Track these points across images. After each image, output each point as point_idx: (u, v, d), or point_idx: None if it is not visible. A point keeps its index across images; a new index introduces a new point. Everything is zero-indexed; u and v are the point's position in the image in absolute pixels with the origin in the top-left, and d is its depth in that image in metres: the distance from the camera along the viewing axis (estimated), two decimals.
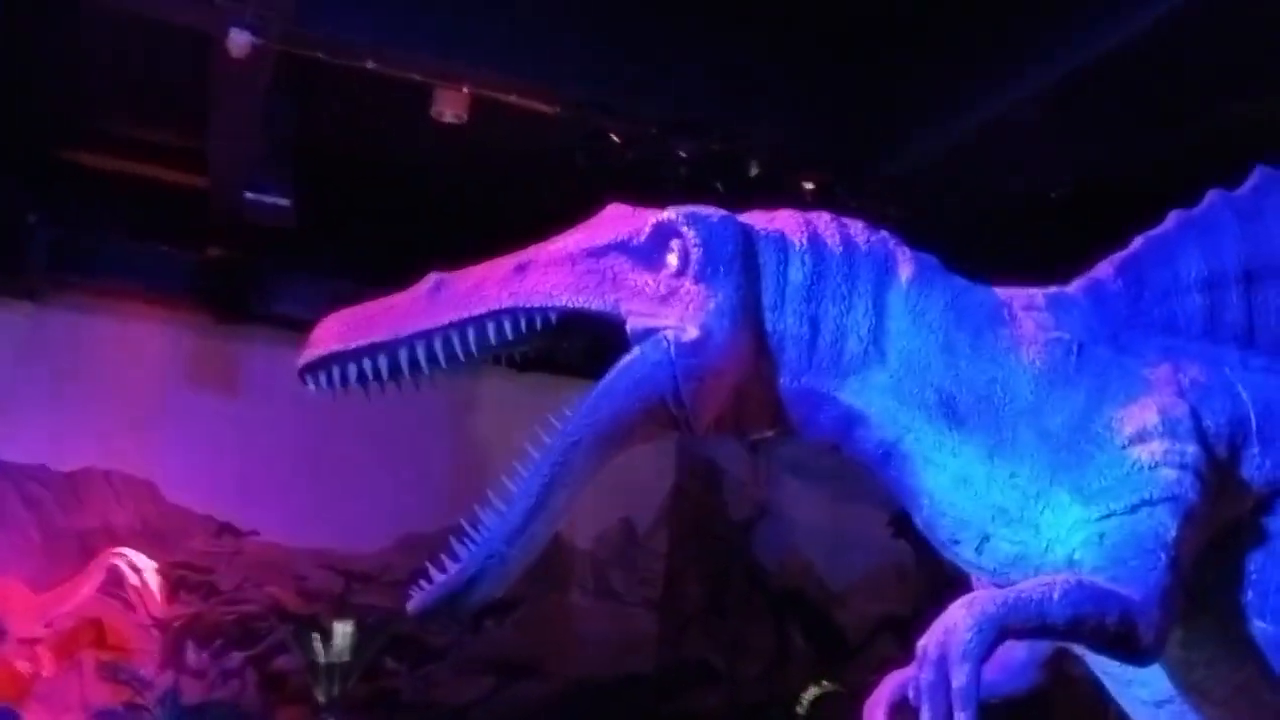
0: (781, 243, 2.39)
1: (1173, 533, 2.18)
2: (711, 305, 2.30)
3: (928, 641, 2.06)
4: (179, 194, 8.29)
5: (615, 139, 5.31)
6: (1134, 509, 2.21)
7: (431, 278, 2.30)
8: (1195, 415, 2.31)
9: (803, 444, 2.46)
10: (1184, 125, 5.31)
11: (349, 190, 7.63)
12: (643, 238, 2.35)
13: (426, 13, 5.59)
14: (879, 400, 2.32)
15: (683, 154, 5.25)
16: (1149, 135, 5.40)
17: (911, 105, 5.47)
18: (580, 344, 2.37)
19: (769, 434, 2.45)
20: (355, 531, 8.98)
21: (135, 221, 8.47)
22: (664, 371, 2.26)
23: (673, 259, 2.33)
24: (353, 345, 2.25)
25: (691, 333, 2.28)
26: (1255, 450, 2.35)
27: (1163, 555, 2.16)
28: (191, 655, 8.15)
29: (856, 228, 2.47)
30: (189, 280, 8.67)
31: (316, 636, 7.38)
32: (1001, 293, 2.51)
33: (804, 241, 2.40)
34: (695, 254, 2.33)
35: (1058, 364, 2.38)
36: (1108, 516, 2.23)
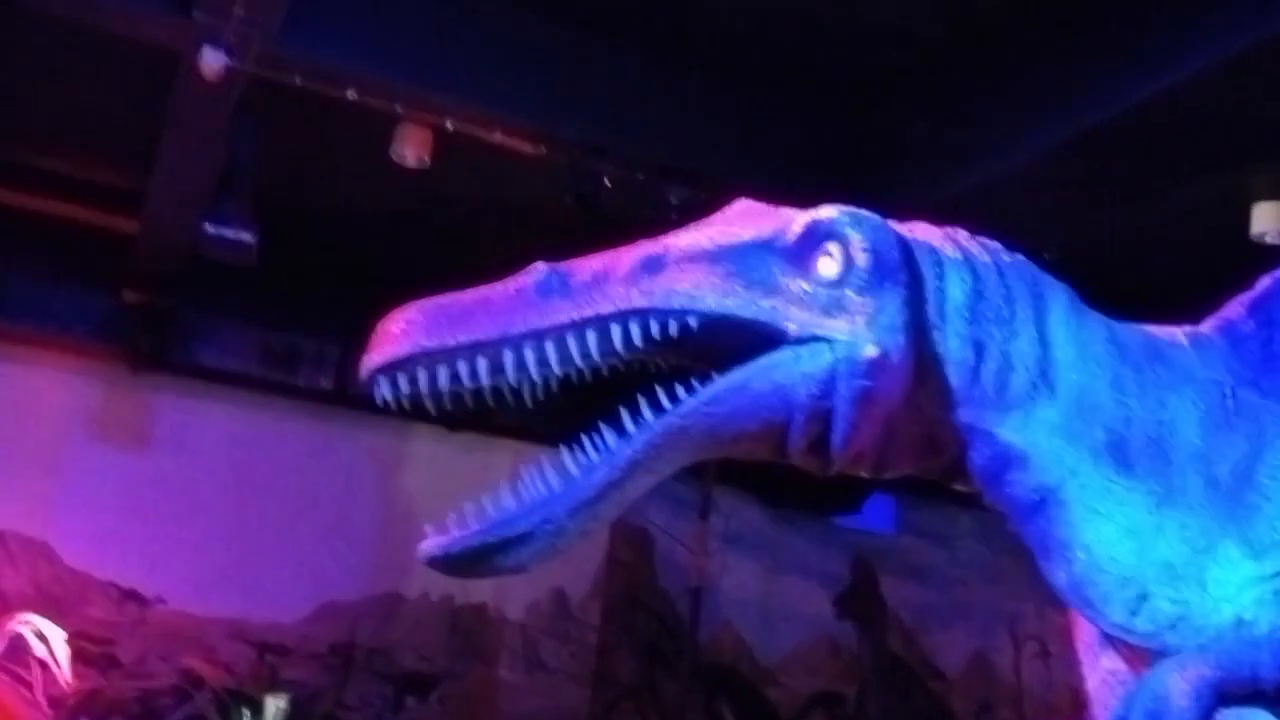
0: (935, 254, 2.13)
1: None
2: (884, 320, 2.01)
3: (1129, 713, 1.87)
4: (97, 234, 7.77)
5: (608, 183, 5.10)
6: None
7: (538, 268, 1.95)
8: None
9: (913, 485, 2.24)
10: (1181, 191, 5.38)
11: (295, 233, 7.23)
12: (792, 238, 2.04)
13: (414, 43, 5.33)
14: (1045, 440, 2.07)
15: (674, 200, 5.07)
16: (1145, 200, 5.45)
17: (906, 161, 5.43)
18: (711, 359, 2.01)
19: (904, 473, 2.17)
20: (272, 600, 8.42)
21: (47, 262, 7.90)
22: (819, 388, 1.96)
23: (830, 264, 2.04)
24: (450, 343, 1.89)
25: (869, 350, 1.98)
26: None
27: None
28: None
29: (995, 245, 2.25)
30: (103, 326, 8.09)
31: (246, 712, 6.80)
32: (1149, 329, 2.36)
33: (958, 254, 2.15)
34: (862, 260, 2.04)
35: (1216, 407, 2.23)
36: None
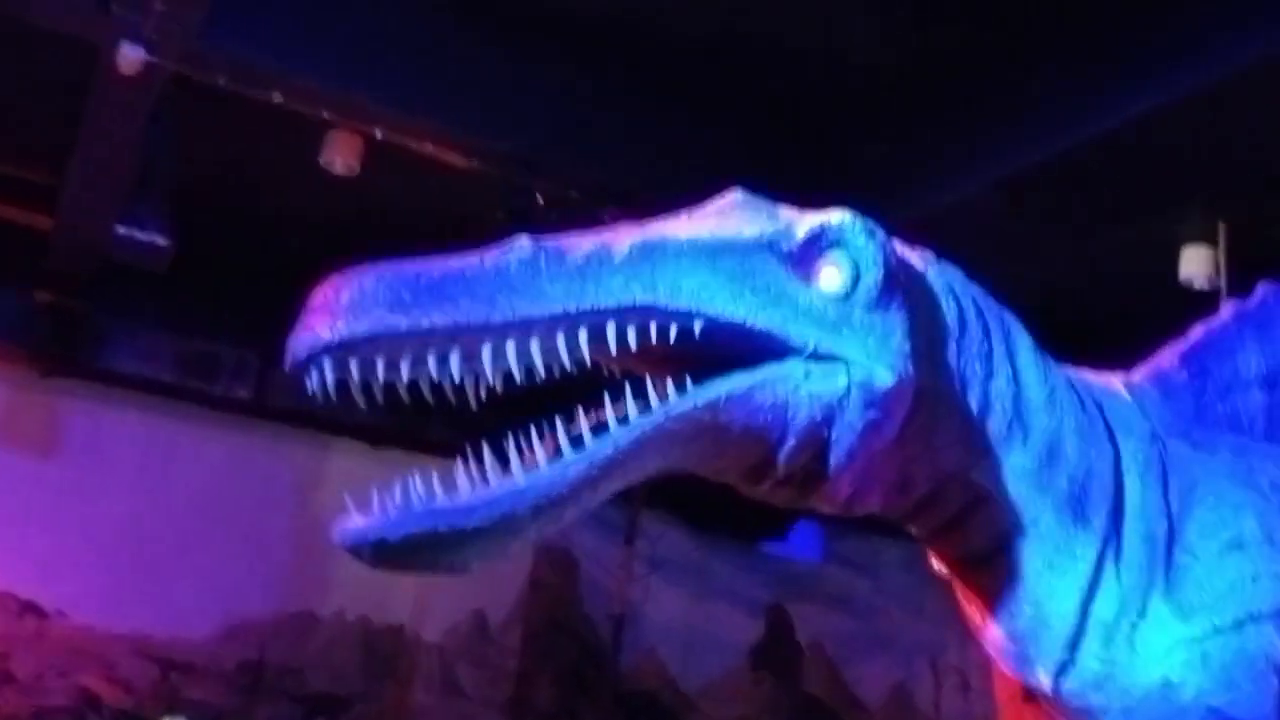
0: (923, 277, 1.95)
1: None
2: (893, 345, 1.80)
3: None
4: (11, 230, 7.46)
5: (541, 200, 4.98)
6: (1239, 625, 1.99)
7: (522, 242, 1.65)
8: None
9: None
10: (1113, 233, 5.41)
11: (217, 238, 7.00)
12: (796, 242, 1.81)
13: (346, 49, 5.18)
14: (1014, 485, 1.95)
15: (608, 220, 4.96)
16: (1079, 242, 5.48)
17: (849, 188, 5.39)
18: (681, 364, 1.74)
19: (865, 512, 2.03)
20: (179, 616, 8.11)
21: None
22: (823, 413, 1.75)
23: (835, 276, 1.82)
24: (424, 324, 1.55)
25: (885, 379, 1.77)
26: None
27: (1275, 679, 1.96)
28: None
29: (958, 271, 2.08)
30: (12, 326, 7.77)
31: None
32: (1089, 376, 2.29)
33: (940, 279, 1.97)
34: (872, 277, 1.82)
35: (1153, 460, 2.17)
36: (1212, 634, 2.00)
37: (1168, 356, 2.47)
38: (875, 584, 10.35)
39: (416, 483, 1.55)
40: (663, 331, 1.65)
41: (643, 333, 1.64)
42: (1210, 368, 2.43)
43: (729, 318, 1.69)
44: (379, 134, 5.18)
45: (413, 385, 1.58)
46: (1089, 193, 5.18)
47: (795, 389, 1.72)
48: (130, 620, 7.95)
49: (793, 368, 1.73)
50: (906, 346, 1.82)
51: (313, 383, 1.55)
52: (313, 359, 1.55)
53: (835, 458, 1.78)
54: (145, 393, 8.14)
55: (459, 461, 1.58)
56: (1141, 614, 2.02)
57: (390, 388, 1.58)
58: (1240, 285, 2.64)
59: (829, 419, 1.75)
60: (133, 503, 8.21)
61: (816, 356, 1.74)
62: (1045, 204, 5.17)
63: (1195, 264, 5.60)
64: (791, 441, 1.74)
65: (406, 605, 8.86)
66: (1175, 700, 1.91)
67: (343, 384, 1.55)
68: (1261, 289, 2.61)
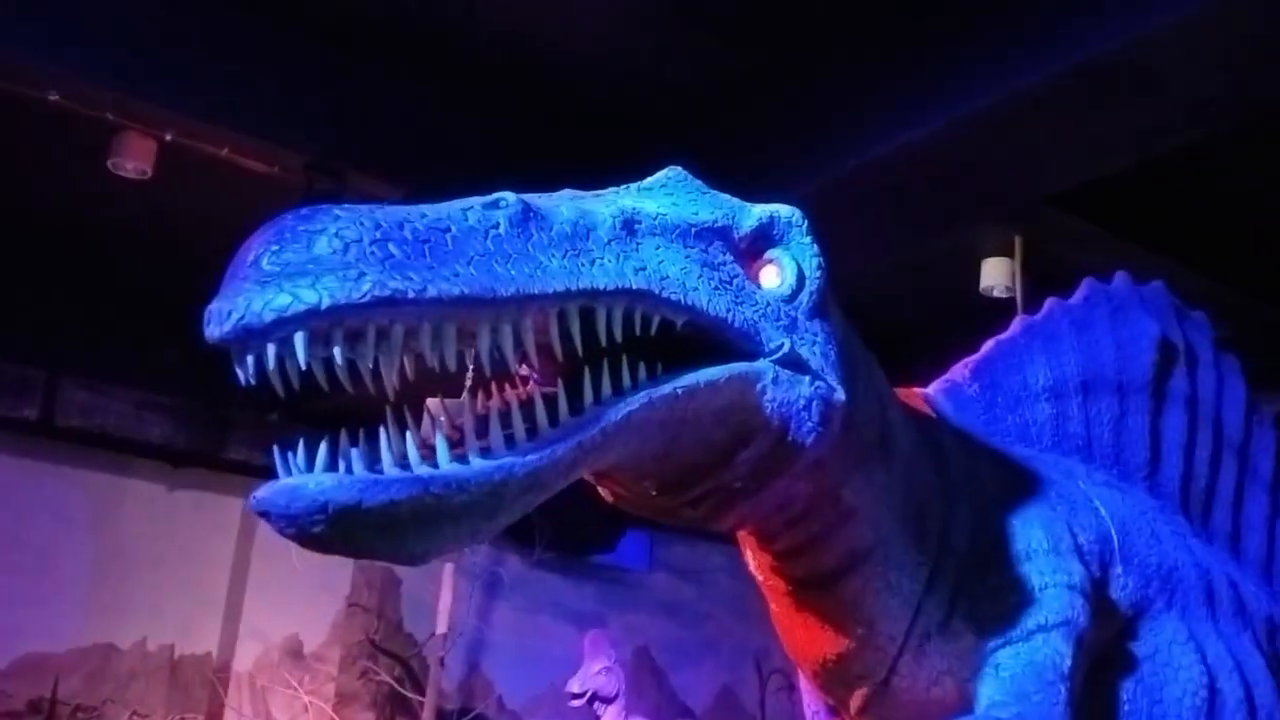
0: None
1: (1068, 661, 2.01)
2: (833, 356, 1.72)
3: None
4: None
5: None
6: (1029, 636, 2.02)
7: (507, 198, 1.43)
8: (1071, 531, 2.17)
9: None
10: (917, 245, 5.54)
11: None
12: (744, 232, 1.70)
13: (134, 49, 4.86)
14: (872, 504, 1.90)
15: None
16: (885, 254, 5.59)
17: None
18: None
19: (744, 528, 1.90)
20: None
21: None
22: (780, 421, 1.64)
23: (780, 276, 1.71)
24: (431, 292, 1.27)
25: (840, 394, 1.70)
26: (1119, 570, 2.25)
27: (1062, 688, 1.99)
28: None
29: None
30: None
31: None
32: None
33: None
34: (816, 281, 1.73)
35: (961, 478, 2.17)
36: (1003, 646, 2.02)
37: (960, 370, 2.51)
38: (701, 590, 10.42)
39: (387, 440, 1.28)
40: (645, 323, 1.51)
41: (629, 323, 1.49)
42: (1000, 380, 2.48)
43: (712, 314, 1.58)
44: (169, 136, 4.87)
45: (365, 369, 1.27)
46: (891, 206, 5.28)
47: (763, 392, 1.63)
48: None
49: (763, 368, 1.64)
50: (844, 361, 1.74)
51: (270, 362, 1.22)
52: (273, 332, 1.20)
53: (780, 469, 1.70)
54: None
55: (392, 431, 1.31)
56: (944, 628, 2.01)
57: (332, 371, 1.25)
58: (1034, 295, 2.70)
59: (784, 428, 1.66)
60: None
61: (783, 361, 1.65)
62: (848, 218, 5.24)
63: (995, 274, 5.80)
64: (751, 445, 1.65)
65: (214, 632, 8.43)
66: (968, 712, 1.91)
67: (337, 364, 1.23)
68: (1049, 304, 2.67)
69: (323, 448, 1.28)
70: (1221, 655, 2.29)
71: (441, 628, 8.58)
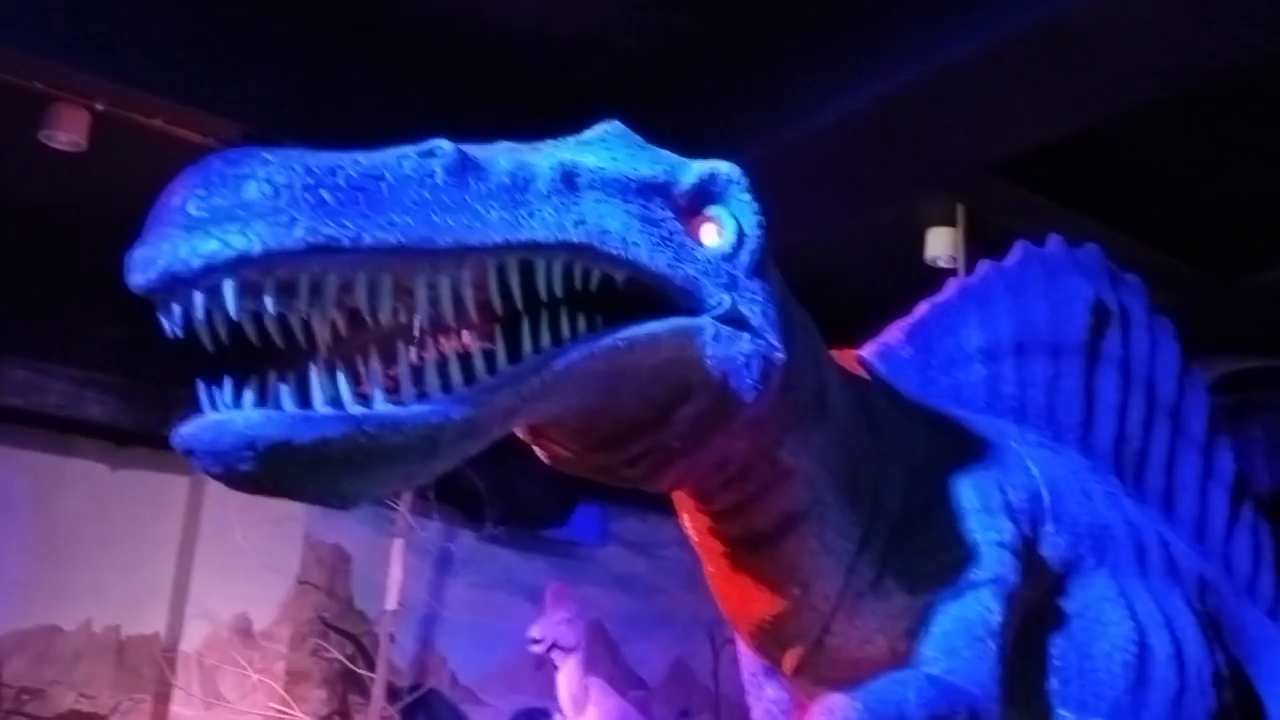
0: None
1: (998, 617, 2.03)
2: (772, 315, 1.72)
3: None
4: None
5: None
6: (959, 593, 2.03)
7: (442, 146, 1.38)
8: (1002, 490, 2.19)
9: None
10: (863, 215, 5.55)
11: None
12: (684, 188, 1.68)
13: (65, 17, 4.74)
14: (810, 463, 1.90)
15: None
16: (830, 224, 5.60)
17: None
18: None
19: (680, 489, 1.90)
20: None
21: None
22: (721, 377, 1.63)
23: (720, 234, 1.70)
24: (366, 240, 1.23)
25: (779, 352, 1.71)
26: (1050, 529, 2.27)
27: (992, 644, 2.00)
28: None
29: None
30: None
31: None
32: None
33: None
34: (756, 239, 1.72)
35: (896, 438, 2.17)
36: (934, 603, 2.03)
37: (894, 332, 2.52)
38: (654, 563, 10.45)
39: (319, 382, 1.24)
40: (586, 277, 1.49)
41: (568, 277, 1.46)
42: (933, 342, 2.49)
43: (653, 269, 1.56)
44: (100, 106, 4.76)
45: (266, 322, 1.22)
46: (834, 177, 5.28)
47: (703, 347, 1.62)
48: None
49: (703, 324, 1.63)
50: (783, 320, 1.74)
51: (198, 312, 1.17)
52: (201, 280, 1.16)
53: (718, 426, 1.69)
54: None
55: (323, 371, 1.27)
56: (875, 588, 2.02)
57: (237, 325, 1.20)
58: (978, 264, 2.72)
59: (724, 385, 1.65)
60: None
61: (724, 318, 1.65)
62: (792, 188, 5.23)
63: (940, 244, 5.83)
64: (690, 401, 1.64)
65: (161, 612, 8.33)
66: (897, 675, 1.91)
67: (267, 315, 1.19)
68: (983, 267, 2.69)
69: (251, 384, 1.25)
70: (1151, 612, 2.32)
71: (391, 604, 8.54)
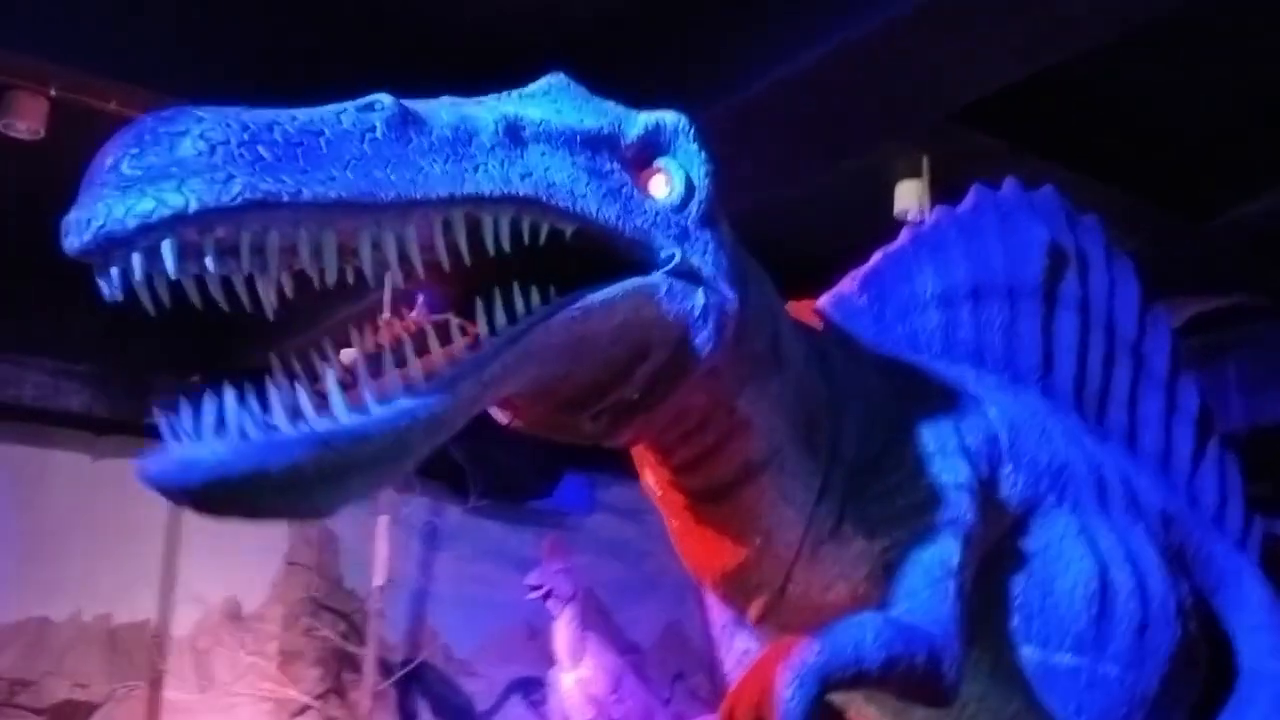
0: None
1: (957, 558, 2.05)
2: (724, 265, 1.71)
3: (736, 702, 1.77)
4: None
5: None
6: (917, 536, 2.06)
7: (383, 100, 1.36)
8: (959, 433, 2.20)
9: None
10: (832, 169, 5.52)
11: None
12: (631, 140, 1.68)
13: (15, 5, 4.68)
14: (768, 413, 1.90)
15: None
16: (799, 178, 5.57)
17: None
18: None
19: (638, 442, 1.91)
20: None
21: None
22: (679, 331, 1.64)
23: (669, 185, 1.69)
24: (305, 196, 1.21)
25: (733, 304, 1.71)
26: (1009, 469, 2.29)
27: (951, 584, 2.03)
28: None
29: None
30: None
31: None
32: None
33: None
34: (706, 190, 1.71)
35: (853, 388, 2.18)
36: (892, 547, 2.05)
37: (848, 281, 2.52)
38: (642, 528, 10.48)
39: (278, 396, 1.23)
40: (534, 231, 1.47)
41: (517, 230, 1.44)
42: (888, 290, 2.49)
43: (601, 222, 1.55)
44: (54, 91, 4.71)
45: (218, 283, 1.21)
46: (796, 131, 5.24)
47: (658, 304, 1.62)
48: None
49: (657, 281, 1.63)
50: (734, 271, 1.73)
51: (136, 273, 1.16)
52: (138, 240, 1.14)
53: (677, 379, 1.69)
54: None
55: (281, 382, 1.27)
56: (834, 535, 2.03)
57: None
58: None
59: (681, 339, 1.66)
60: None
61: (676, 272, 1.64)
62: (754, 143, 5.19)
63: (909, 198, 5.81)
64: (650, 358, 1.65)
65: (151, 599, 8.33)
66: (854, 620, 1.93)
67: (209, 273, 1.17)
68: (936, 212, 2.68)
69: (208, 409, 1.22)
70: (1113, 547, 2.33)
71: (379, 580, 8.56)
